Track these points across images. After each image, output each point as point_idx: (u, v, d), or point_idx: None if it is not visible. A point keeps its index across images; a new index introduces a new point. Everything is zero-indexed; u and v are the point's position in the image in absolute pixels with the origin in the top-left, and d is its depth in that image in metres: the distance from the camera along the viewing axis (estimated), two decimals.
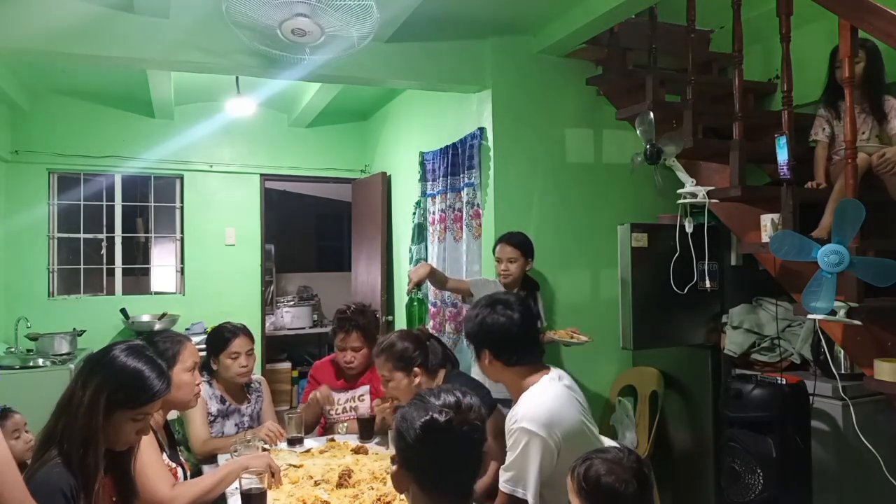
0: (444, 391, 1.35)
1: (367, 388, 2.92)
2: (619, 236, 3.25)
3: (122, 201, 5.31)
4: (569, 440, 1.79)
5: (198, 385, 2.24)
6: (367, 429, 2.67)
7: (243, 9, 2.59)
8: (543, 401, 1.83)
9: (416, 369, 2.34)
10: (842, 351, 2.69)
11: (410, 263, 4.47)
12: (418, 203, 4.42)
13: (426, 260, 4.34)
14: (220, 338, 2.73)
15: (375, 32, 2.79)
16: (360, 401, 2.90)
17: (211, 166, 5.41)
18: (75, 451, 1.49)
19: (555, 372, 1.94)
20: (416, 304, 2.96)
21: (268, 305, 6.11)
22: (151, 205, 5.40)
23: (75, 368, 3.94)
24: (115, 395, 1.54)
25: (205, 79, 4.34)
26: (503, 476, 1.81)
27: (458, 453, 1.30)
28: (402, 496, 1.49)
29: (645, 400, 3.52)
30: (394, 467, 1.36)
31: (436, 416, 1.28)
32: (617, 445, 1.59)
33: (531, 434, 1.76)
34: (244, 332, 2.76)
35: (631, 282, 3.17)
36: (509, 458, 1.81)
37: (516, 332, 1.91)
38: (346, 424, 2.83)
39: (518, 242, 3.18)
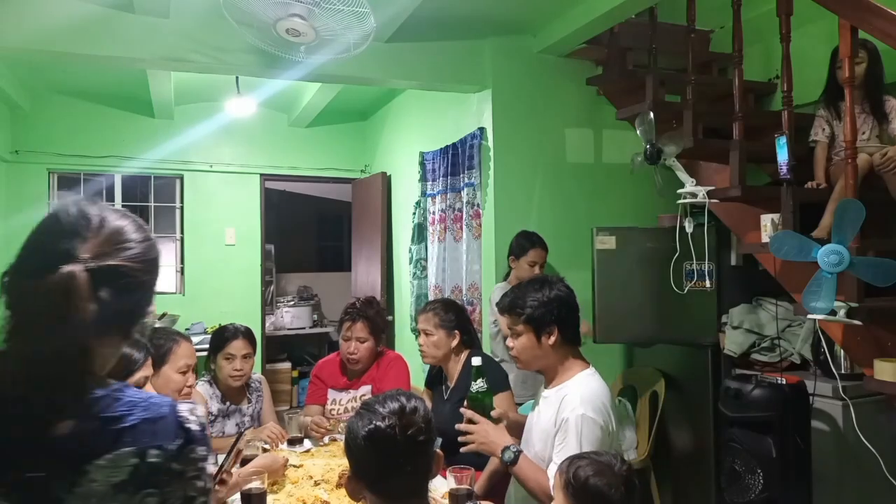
0: (388, 398, 1.36)
1: (368, 387, 2.91)
2: (593, 239, 3.27)
3: (122, 201, 5.31)
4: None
5: (189, 387, 2.24)
6: None
7: (240, 3, 2.59)
8: (594, 389, 1.81)
9: (455, 331, 2.54)
10: (842, 351, 2.69)
11: (410, 264, 4.48)
12: (418, 203, 4.41)
13: (426, 259, 4.34)
14: (220, 337, 2.74)
15: (373, 36, 2.79)
16: (361, 401, 2.90)
17: (211, 166, 5.41)
18: None
19: (592, 367, 1.94)
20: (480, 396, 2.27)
21: (268, 305, 6.11)
22: (151, 205, 5.40)
23: None
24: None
25: (205, 79, 4.34)
26: None
27: (406, 457, 1.31)
28: None
29: (645, 400, 3.51)
30: (346, 476, 1.38)
31: (379, 424, 1.30)
32: (610, 452, 1.60)
33: (594, 423, 1.73)
34: (245, 335, 2.74)
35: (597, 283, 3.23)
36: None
37: (575, 305, 1.95)
38: (346, 424, 2.83)
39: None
